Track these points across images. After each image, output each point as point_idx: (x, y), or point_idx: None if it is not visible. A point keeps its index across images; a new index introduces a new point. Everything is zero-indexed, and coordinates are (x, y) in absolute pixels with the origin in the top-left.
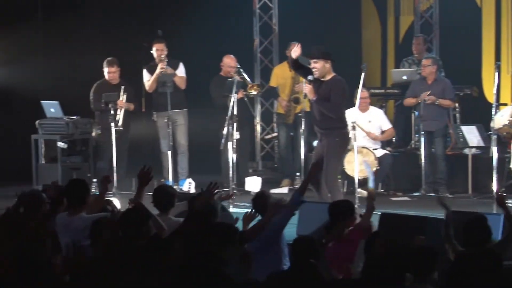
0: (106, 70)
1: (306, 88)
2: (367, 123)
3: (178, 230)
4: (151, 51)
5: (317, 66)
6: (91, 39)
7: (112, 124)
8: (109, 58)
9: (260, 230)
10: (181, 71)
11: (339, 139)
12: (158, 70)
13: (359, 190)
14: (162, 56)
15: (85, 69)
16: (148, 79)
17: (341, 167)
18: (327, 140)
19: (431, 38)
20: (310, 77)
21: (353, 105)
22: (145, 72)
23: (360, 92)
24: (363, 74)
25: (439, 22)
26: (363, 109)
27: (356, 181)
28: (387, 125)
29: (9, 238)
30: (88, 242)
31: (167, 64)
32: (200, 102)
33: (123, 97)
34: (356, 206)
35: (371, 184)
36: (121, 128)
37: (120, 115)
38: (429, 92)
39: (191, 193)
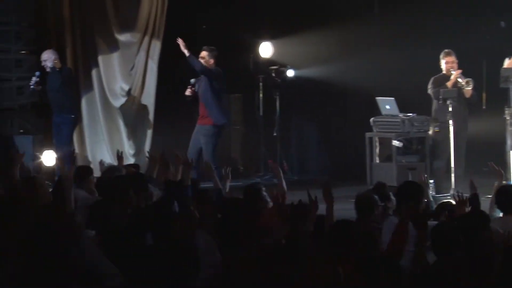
0: (443, 61)
1: None
2: None
3: None
4: None
5: None
6: (428, 32)
7: (450, 121)
8: (446, 50)
9: None
10: None
11: None
12: None
13: None
14: None
15: (422, 63)
16: None
17: None
18: None
19: None
20: None
21: None
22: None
23: None
24: None
25: None
26: None
27: None
28: None
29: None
30: None
31: None
32: None
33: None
34: None
35: None
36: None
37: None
38: None
39: None
